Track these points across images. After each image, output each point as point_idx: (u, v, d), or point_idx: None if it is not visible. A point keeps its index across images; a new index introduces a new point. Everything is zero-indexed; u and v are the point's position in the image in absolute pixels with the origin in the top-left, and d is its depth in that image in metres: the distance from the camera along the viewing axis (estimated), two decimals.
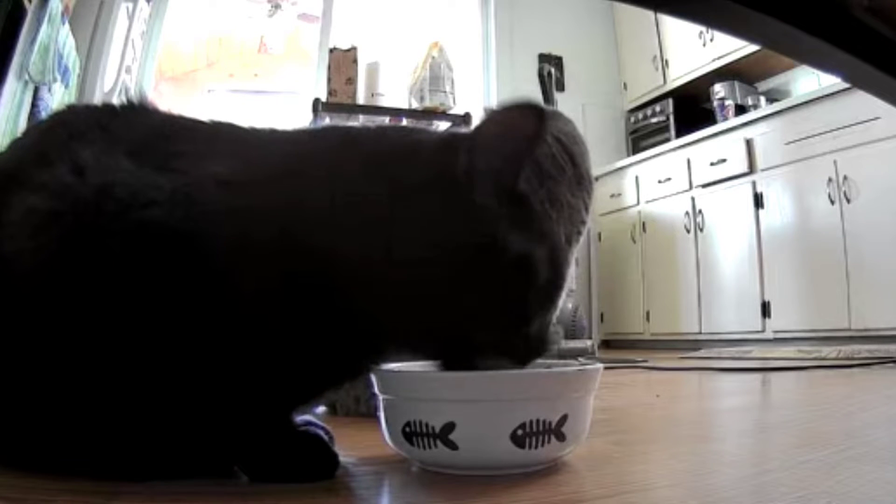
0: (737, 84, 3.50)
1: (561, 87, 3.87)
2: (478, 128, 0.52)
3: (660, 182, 3.52)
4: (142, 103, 0.58)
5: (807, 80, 3.22)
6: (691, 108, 3.71)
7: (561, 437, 0.53)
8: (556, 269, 0.54)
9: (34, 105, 2.13)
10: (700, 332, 3.16)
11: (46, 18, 2.09)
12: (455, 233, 0.51)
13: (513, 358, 0.54)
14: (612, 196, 3.81)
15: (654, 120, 3.96)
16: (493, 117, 0.52)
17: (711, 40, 3.54)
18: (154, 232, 0.47)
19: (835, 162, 2.55)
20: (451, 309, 0.51)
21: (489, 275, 0.51)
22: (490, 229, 0.51)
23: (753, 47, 3.03)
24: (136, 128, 0.54)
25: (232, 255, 0.48)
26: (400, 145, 0.55)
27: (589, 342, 2.80)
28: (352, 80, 3.40)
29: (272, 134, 0.58)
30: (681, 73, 3.81)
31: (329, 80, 3.42)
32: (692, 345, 3.04)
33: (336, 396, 0.89)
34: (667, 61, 3.92)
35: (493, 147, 0.52)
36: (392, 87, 3.45)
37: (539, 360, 0.59)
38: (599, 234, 3.76)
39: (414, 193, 0.51)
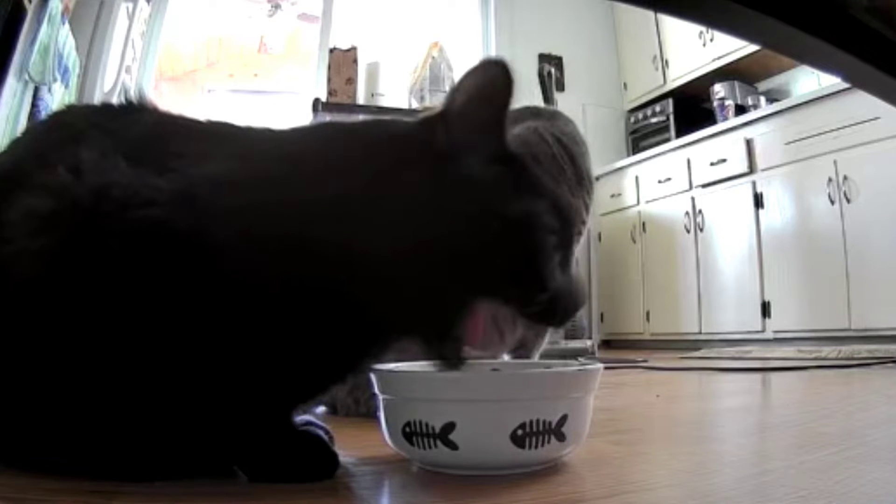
0: (737, 84, 3.50)
1: (561, 87, 3.87)
2: (447, 100, 0.52)
3: (660, 182, 3.52)
4: (141, 103, 0.58)
5: (807, 80, 3.22)
6: (691, 108, 3.71)
7: (561, 437, 0.53)
8: (564, 217, 0.53)
9: (34, 105, 2.13)
10: (700, 332, 3.16)
11: (46, 18, 2.09)
12: (453, 210, 0.50)
13: (547, 320, 0.53)
14: (612, 196, 3.81)
15: (654, 120, 3.96)
16: (458, 86, 0.51)
17: (711, 40, 3.54)
18: (152, 232, 0.47)
19: (835, 162, 2.55)
20: (466, 285, 0.50)
21: (496, 243, 0.50)
22: (485, 198, 0.50)
23: (753, 47, 3.03)
24: (135, 128, 0.54)
25: (230, 255, 0.48)
26: (387, 135, 0.55)
27: (589, 342, 2.80)
28: (352, 80, 3.40)
29: (268, 133, 0.58)
30: (681, 73, 3.81)
31: (329, 80, 3.42)
32: (692, 345, 3.04)
33: (336, 396, 0.89)
34: (667, 61, 3.92)
35: (466, 115, 0.51)
36: (392, 87, 3.45)
37: (539, 360, 0.59)
38: (599, 234, 3.76)
39: (406, 180, 0.51)
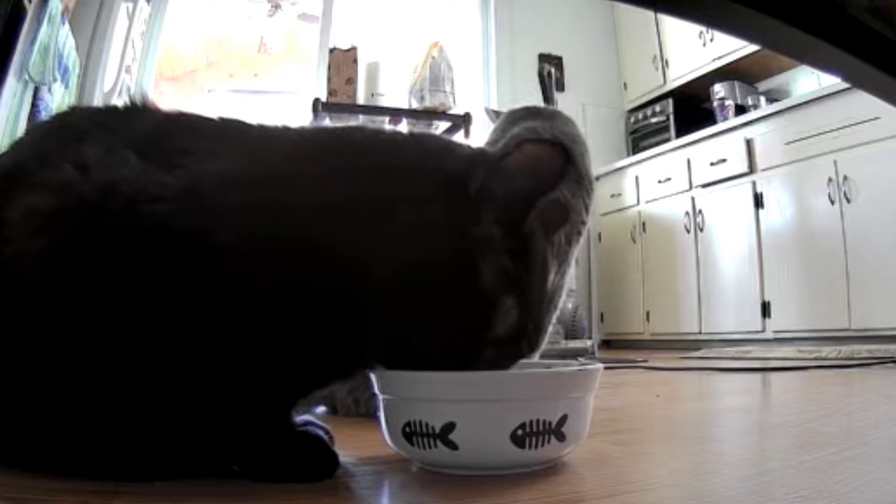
0: (737, 84, 3.50)
1: (561, 87, 3.87)
2: (507, 155, 0.53)
3: (660, 182, 3.52)
4: (144, 103, 0.58)
5: (807, 80, 3.22)
6: (691, 108, 3.71)
7: (561, 437, 0.53)
8: (529, 322, 0.54)
9: (34, 105, 2.12)
10: (700, 332, 3.16)
11: (46, 18, 2.09)
12: (448, 245, 0.51)
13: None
14: (612, 196, 3.81)
15: (654, 120, 3.96)
16: (525, 150, 0.52)
17: (711, 40, 3.54)
18: (157, 228, 0.47)
19: (835, 162, 2.55)
20: (428, 315, 0.52)
21: (464, 299, 0.52)
22: (480, 252, 0.52)
23: (753, 47, 3.03)
24: (140, 127, 0.54)
25: (233, 252, 0.48)
26: (418, 152, 0.56)
27: (589, 342, 2.80)
28: (352, 80, 3.39)
29: (284, 132, 0.58)
30: (681, 73, 3.81)
31: (329, 80, 3.41)
32: (692, 345, 3.03)
33: (336, 396, 0.89)
34: (667, 61, 3.92)
35: (514, 177, 0.52)
36: (392, 87, 3.44)
37: (539, 360, 0.59)
38: (599, 235, 3.76)
39: (420, 201, 0.51)
